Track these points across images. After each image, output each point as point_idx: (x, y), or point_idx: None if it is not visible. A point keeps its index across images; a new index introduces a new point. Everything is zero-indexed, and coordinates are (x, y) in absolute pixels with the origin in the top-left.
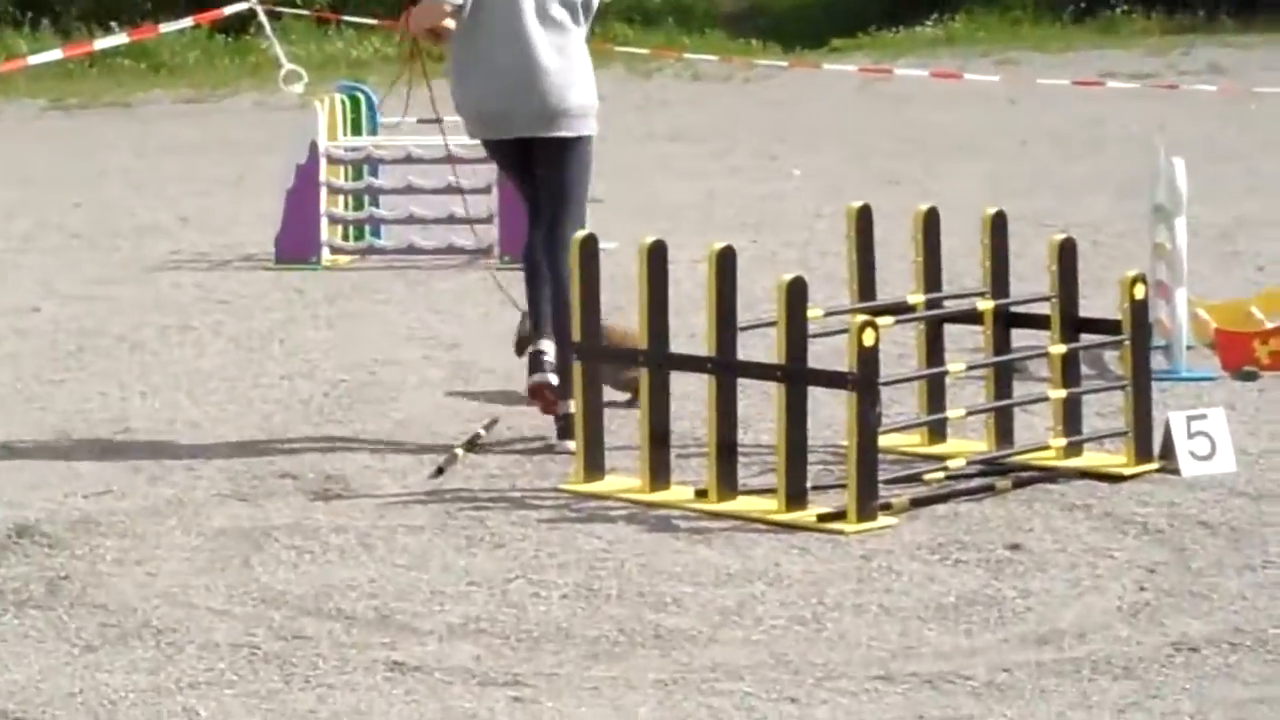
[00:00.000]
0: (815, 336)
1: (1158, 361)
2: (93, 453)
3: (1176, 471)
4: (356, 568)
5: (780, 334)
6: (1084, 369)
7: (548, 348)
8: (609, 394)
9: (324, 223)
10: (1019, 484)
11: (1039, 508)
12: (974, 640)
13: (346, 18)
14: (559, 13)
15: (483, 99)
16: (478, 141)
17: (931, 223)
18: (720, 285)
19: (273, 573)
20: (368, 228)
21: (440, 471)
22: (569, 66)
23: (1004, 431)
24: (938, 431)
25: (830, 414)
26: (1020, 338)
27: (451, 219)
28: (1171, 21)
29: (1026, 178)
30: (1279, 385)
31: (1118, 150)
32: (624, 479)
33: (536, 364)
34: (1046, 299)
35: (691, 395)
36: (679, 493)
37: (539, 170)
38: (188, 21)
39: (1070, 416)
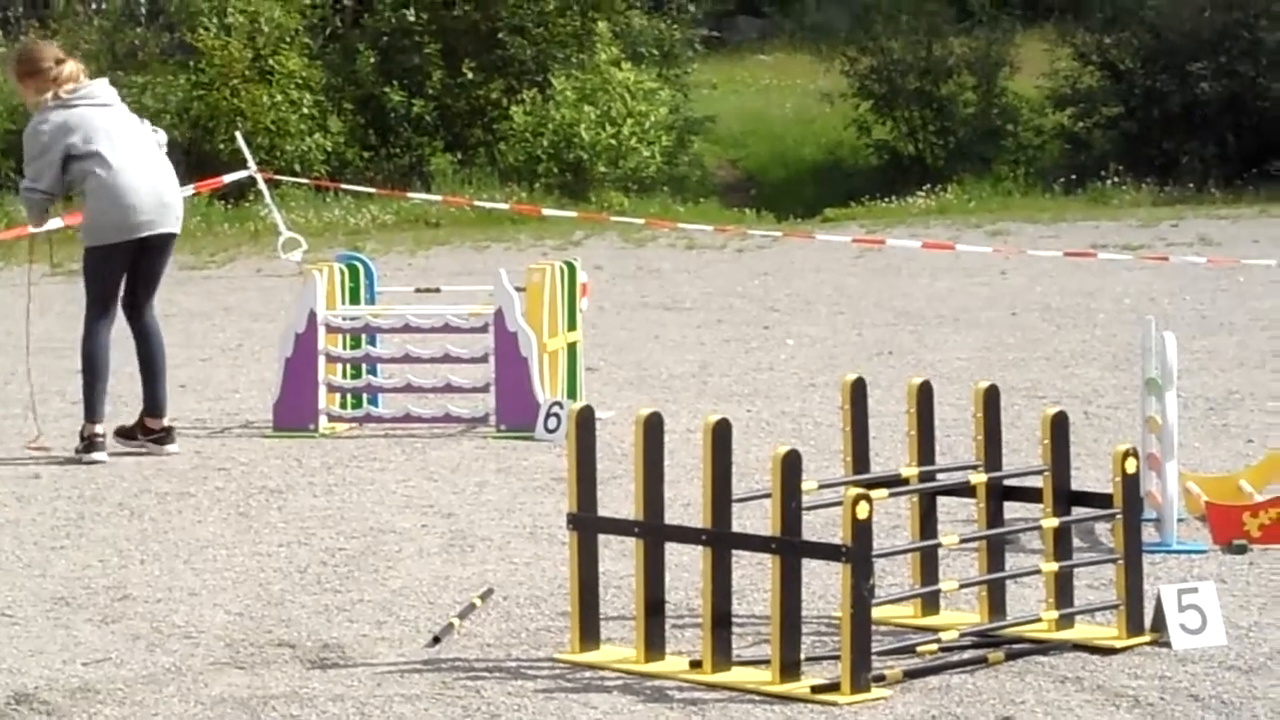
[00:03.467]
0: (809, 509)
1: (1149, 534)
2: (92, 620)
3: (1168, 644)
4: None
5: (775, 506)
6: (1076, 541)
7: (103, 431)
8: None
9: (322, 391)
10: (1011, 656)
11: (1031, 680)
12: None
13: (344, 185)
14: (157, 144)
15: (135, 210)
16: (474, 311)
17: (924, 396)
18: (715, 458)
19: None
20: (365, 396)
21: (437, 640)
22: (175, 182)
23: (997, 603)
24: (931, 603)
25: (824, 585)
26: (1013, 509)
27: (448, 388)
28: (1162, 193)
29: (1019, 348)
30: (1269, 559)
31: (1109, 321)
32: (619, 649)
33: (95, 446)
34: (1039, 472)
35: (686, 566)
36: (673, 663)
37: (150, 260)
38: (188, 189)
39: (1062, 589)
